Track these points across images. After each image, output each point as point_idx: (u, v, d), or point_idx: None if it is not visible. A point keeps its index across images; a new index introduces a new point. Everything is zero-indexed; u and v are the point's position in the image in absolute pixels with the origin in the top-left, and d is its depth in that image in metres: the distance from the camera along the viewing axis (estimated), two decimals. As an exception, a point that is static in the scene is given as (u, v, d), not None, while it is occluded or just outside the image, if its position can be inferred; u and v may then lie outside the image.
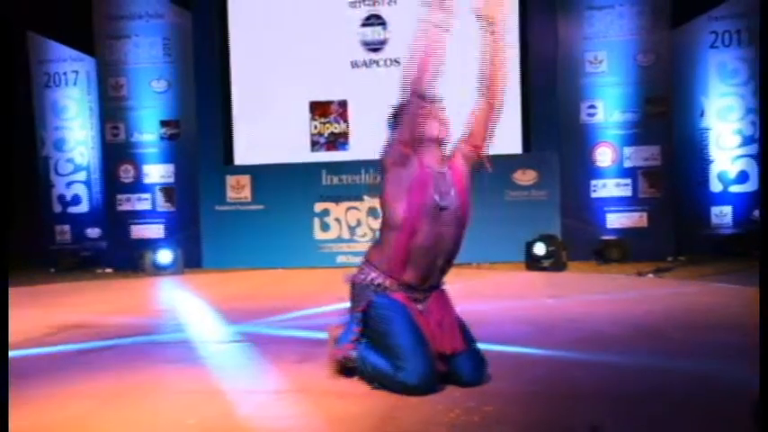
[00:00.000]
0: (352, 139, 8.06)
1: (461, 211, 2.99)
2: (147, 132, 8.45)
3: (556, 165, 7.70)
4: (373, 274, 2.95)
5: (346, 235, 7.94)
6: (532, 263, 7.04)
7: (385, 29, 7.92)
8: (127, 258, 8.08)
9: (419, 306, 2.94)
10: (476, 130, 3.11)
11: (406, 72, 2.86)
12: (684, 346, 3.61)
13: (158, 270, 7.65)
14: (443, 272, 3.01)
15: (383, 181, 2.95)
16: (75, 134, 8.83)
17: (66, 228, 8.84)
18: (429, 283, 2.96)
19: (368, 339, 2.97)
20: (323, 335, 3.34)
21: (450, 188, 2.97)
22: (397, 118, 2.94)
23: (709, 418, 2.46)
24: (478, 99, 3.09)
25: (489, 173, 8.27)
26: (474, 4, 2.89)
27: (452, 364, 2.87)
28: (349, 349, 2.98)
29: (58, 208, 8.88)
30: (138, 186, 8.49)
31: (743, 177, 7.88)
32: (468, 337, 2.98)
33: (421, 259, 2.90)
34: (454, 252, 2.99)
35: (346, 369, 3.04)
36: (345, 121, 8.06)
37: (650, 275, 6.52)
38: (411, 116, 2.85)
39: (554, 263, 6.96)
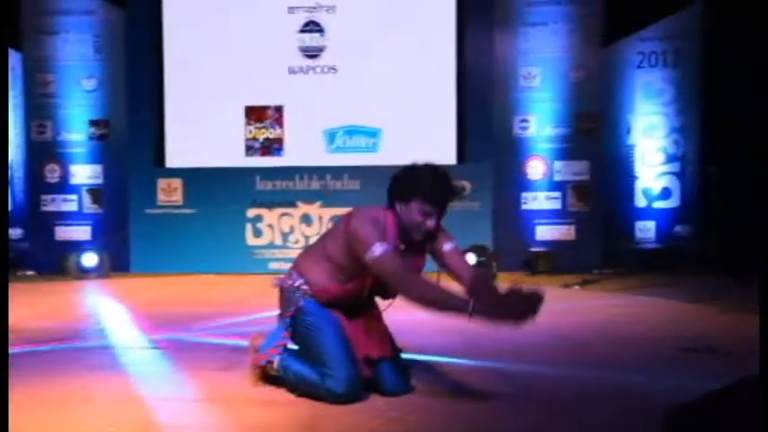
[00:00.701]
0: (287, 144, 8.00)
1: None
2: (76, 132, 8.20)
3: (489, 176, 7.81)
4: (300, 281, 2.93)
5: (279, 241, 7.87)
6: (463, 273, 7.10)
7: (323, 36, 7.91)
8: (51, 261, 7.82)
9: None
10: (448, 267, 2.93)
11: (417, 290, 2.70)
12: (606, 357, 3.70)
13: (83, 273, 7.42)
14: (371, 297, 3.03)
15: (344, 242, 2.84)
16: (-2, 131, 8.50)
17: (-13, 228, 8.50)
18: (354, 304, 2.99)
19: (296, 345, 2.96)
20: (247, 343, 3.29)
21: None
22: (394, 197, 2.89)
23: (625, 428, 2.53)
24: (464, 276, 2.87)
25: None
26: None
27: (378, 370, 2.88)
28: (272, 353, 2.96)
29: (-23, 207, 8.54)
30: (64, 187, 8.23)
31: (666, 194, 8.14)
32: (394, 347, 2.99)
33: (351, 298, 2.93)
34: (384, 293, 2.99)
35: (268, 376, 3.01)
36: (281, 126, 8.00)
37: (576, 287, 6.67)
38: (389, 277, 2.75)
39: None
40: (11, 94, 8.44)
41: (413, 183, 2.85)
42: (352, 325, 2.90)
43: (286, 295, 2.97)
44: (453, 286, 2.76)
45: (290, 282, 2.96)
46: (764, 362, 1.76)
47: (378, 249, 2.71)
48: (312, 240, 7.69)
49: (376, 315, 3.02)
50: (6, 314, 2.62)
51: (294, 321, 2.92)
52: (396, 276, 2.72)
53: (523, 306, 2.57)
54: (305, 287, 2.91)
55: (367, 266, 2.75)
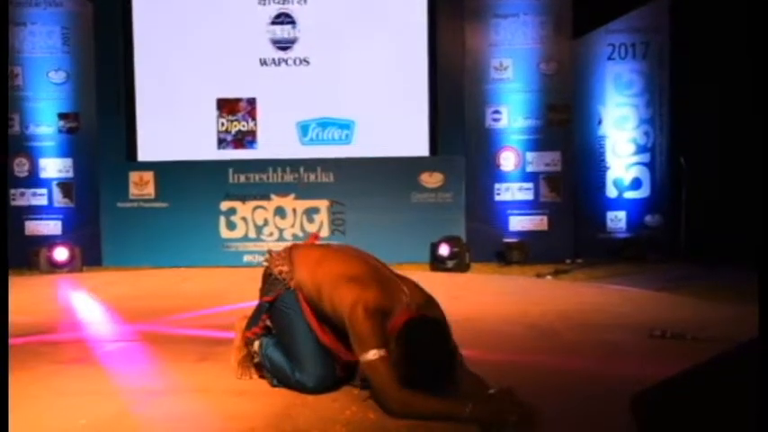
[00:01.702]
0: (260, 137, 7.98)
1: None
2: (44, 125, 8.09)
3: (461, 168, 7.86)
4: (289, 276, 2.89)
5: (253, 234, 7.86)
6: (437, 264, 7.16)
7: (294, 28, 7.88)
8: (20, 255, 7.72)
9: None
10: None
11: (405, 406, 2.47)
12: (574, 345, 3.76)
13: (54, 268, 7.35)
14: None
15: (353, 321, 2.59)
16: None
17: (-46, 223, 8.38)
18: None
19: (272, 329, 2.95)
20: (224, 334, 3.30)
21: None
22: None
23: (592, 413, 2.58)
24: None
25: (395, 176, 8.25)
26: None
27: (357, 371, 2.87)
28: (257, 332, 2.95)
29: (-56, 201, 8.39)
30: (33, 181, 8.12)
31: (636, 184, 8.26)
32: None
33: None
34: None
35: (249, 358, 3.01)
36: (254, 119, 7.98)
37: (548, 277, 6.75)
38: (378, 385, 2.55)
39: (458, 264, 7.10)
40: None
41: (416, 363, 2.51)
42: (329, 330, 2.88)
43: (271, 279, 2.94)
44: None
45: (281, 270, 2.91)
46: (765, 360, 1.78)
47: (374, 354, 2.50)
48: (287, 234, 7.75)
49: None
50: (6, 312, 2.61)
51: (272, 307, 2.92)
52: (382, 389, 2.51)
53: (507, 410, 2.39)
54: (292, 283, 2.88)
55: (364, 364, 2.56)
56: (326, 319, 2.79)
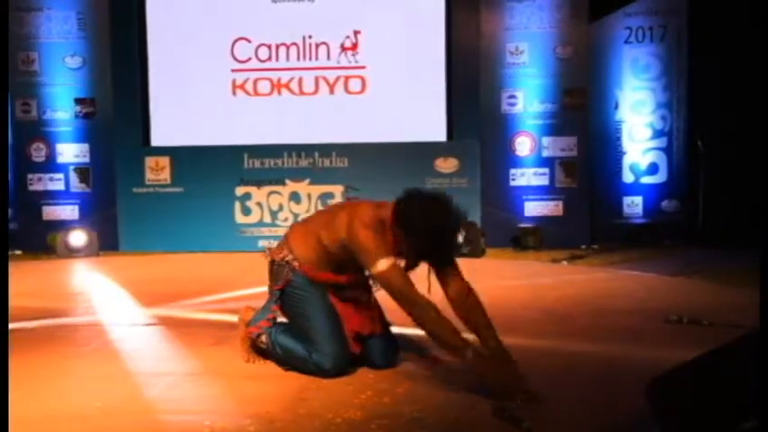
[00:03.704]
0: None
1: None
2: (61, 110, 8.13)
3: (477, 153, 7.82)
4: (291, 257, 2.94)
5: (268, 219, 7.87)
6: (452, 249, 7.13)
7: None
8: (38, 240, 7.80)
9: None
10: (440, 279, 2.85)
11: (420, 316, 2.63)
12: (590, 330, 3.75)
13: (71, 252, 7.41)
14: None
15: (342, 244, 2.76)
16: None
17: (-28, 207, 8.45)
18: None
19: (285, 318, 2.98)
20: (236, 317, 3.32)
21: None
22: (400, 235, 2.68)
23: (609, 398, 2.57)
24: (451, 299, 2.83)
25: (410, 161, 8.24)
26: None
27: (367, 346, 2.90)
28: (263, 326, 2.97)
29: (-38, 186, 8.47)
30: (50, 166, 8.18)
31: (653, 169, 8.19)
32: (384, 322, 3.02)
33: (340, 284, 2.93)
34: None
35: (257, 349, 3.04)
36: (269, 103, 7.98)
37: (564, 263, 6.72)
38: (394, 292, 2.66)
39: (473, 249, 7.08)
40: (-6, 72, 8.38)
41: (417, 231, 2.63)
42: (341, 301, 2.92)
43: (276, 268, 2.98)
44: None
45: (282, 255, 2.96)
46: (765, 359, 1.77)
47: (384, 264, 2.62)
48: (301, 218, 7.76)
49: (366, 291, 3.04)
50: (6, 310, 2.63)
51: (283, 294, 2.94)
52: (402, 293, 2.62)
53: (511, 375, 2.52)
54: (296, 263, 2.92)
55: (370, 276, 2.73)
56: (341, 266, 2.85)
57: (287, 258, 2.93)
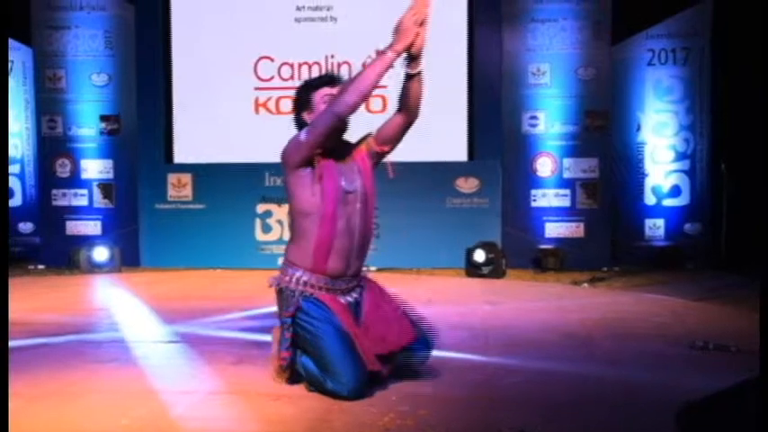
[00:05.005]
0: (296, 140, 8.01)
1: (367, 193, 3.12)
2: (86, 127, 8.23)
3: (498, 173, 7.81)
4: (298, 273, 2.96)
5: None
6: (472, 269, 7.12)
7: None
8: (61, 255, 7.87)
9: (349, 298, 3.00)
10: (389, 133, 3.21)
11: (343, 95, 2.93)
12: (613, 355, 3.71)
13: (94, 267, 7.47)
14: (361, 257, 3.07)
15: (289, 176, 3.02)
16: (10, 126, 8.55)
17: (-3, 222, 8.55)
18: (351, 271, 3.02)
19: (300, 344, 2.97)
20: (260, 336, 3.33)
21: (354, 174, 3.09)
22: (301, 112, 3.14)
23: (635, 425, 2.54)
24: (397, 112, 3.25)
25: (430, 181, 8.28)
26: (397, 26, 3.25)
27: (402, 356, 2.92)
28: (286, 356, 2.96)
29: (-11, 201, 8.57)
30: (74, 182, 8.27)
31: (675, 191, 8.13)
32: (410, 327, 3.01)
33: (340, 244, 2.96)
34: (367, 234, 3.08)
35: (286, 373, 3.03)
36: (290, 122, 8.01)
37: (585, 285, 6.67)
38: (321, 126, 2.94)
39: (493, 270, 7.05)
40: (22, 89, 8.52)
41: (303, 86, 3.18)
42: (359, 326, 2.92)
43: (284, 296, 2.99)
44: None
45: (287, 279, 2.98)
46: (765, 360, 1.76)
47: (303, 132, 2.97)
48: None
49: (386, 298, 3.05)
50: (6, 312, 2.65)
51: (294, 321, 2.93)
52: (326, 112, 2.95)
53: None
54: (304, 278, 2.94)
55: (310, 144, 2.92)
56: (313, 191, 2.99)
57: (293, 279, 2.95)
